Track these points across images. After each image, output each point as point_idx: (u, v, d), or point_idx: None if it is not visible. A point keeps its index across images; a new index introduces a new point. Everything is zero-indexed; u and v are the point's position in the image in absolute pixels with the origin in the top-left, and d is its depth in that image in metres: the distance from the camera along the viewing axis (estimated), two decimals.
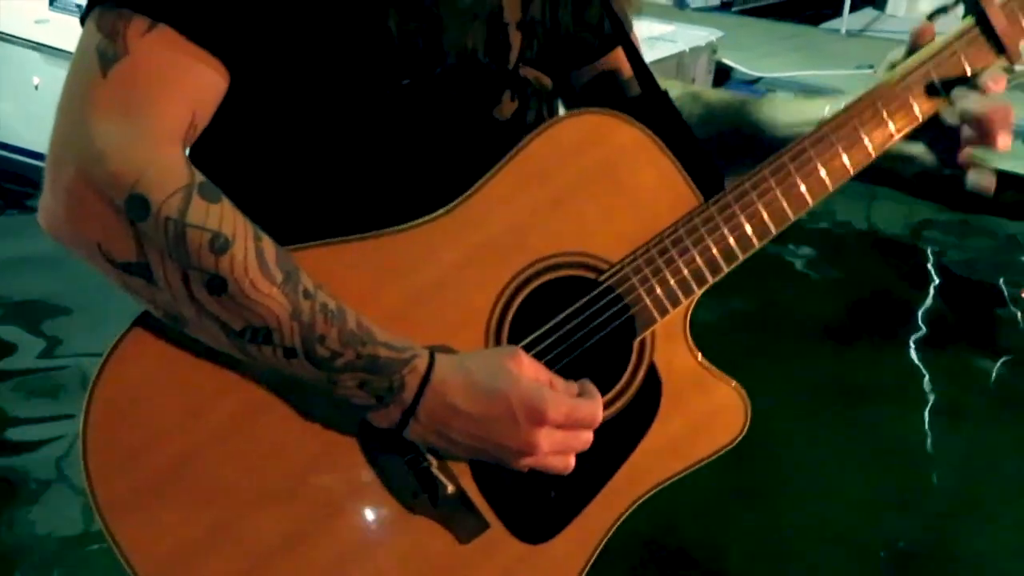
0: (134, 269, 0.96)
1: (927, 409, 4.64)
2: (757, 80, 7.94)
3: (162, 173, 0.95)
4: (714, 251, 1.13)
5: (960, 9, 1.17)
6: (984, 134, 1.13)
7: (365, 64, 1.05)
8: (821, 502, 3.89)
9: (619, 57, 1.28)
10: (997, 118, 1.12)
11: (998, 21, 1.14)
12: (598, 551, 1.16)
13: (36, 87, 5.84)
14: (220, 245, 0.95)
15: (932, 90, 1.16)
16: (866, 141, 1.16)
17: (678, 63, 6.83)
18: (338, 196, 1.10)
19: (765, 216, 1.14)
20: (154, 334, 1.03)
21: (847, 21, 9.75)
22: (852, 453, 4.20)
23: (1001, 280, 6.09)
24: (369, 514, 1.08)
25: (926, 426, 4.51)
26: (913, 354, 5.14)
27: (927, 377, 4.93)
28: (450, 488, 1.09)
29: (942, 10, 1.18)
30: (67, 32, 5.79)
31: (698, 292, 1.14)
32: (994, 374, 5.06)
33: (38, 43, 5.83)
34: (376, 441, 1.07)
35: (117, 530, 1.03)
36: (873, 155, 1.17)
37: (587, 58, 1.28)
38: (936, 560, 3.62)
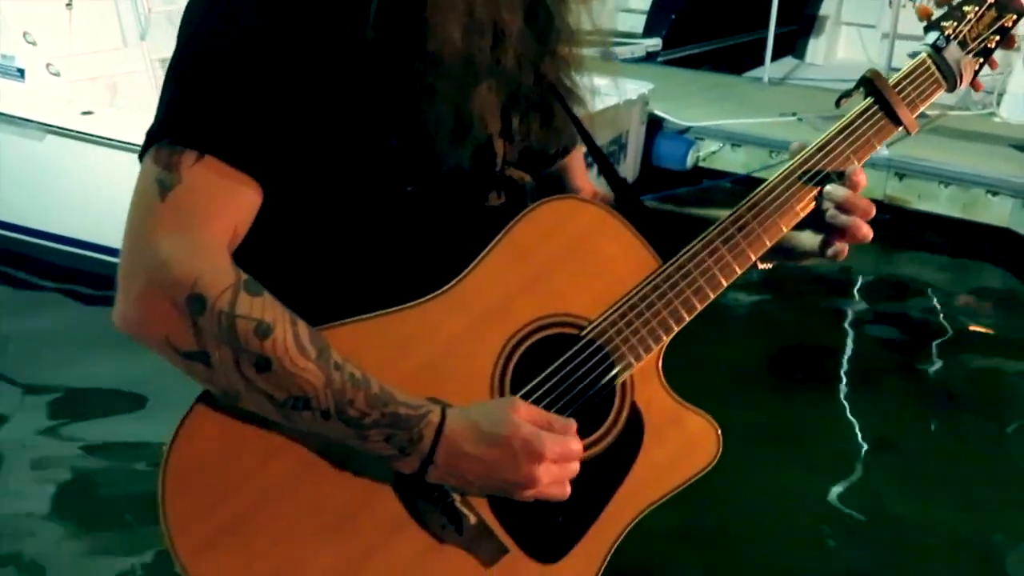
0: (195, 356, 1.14)
1: (858, 448, 4.81)
2: (687, 130, 8.18)
3: (214, 276, 1.13)
4: (676, 303, 1.31)
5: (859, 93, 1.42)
6: (847, 223, 1.36)
7: (376, 176, 1.24)
8: (762, 540, 4.02)
9: (576, 155, 1.49)
10: (860, 209, 1.36)
11: (896, 102, 1.39)
12: (603, 567, 1.31)
13: None
14: (264, 330, 1.13)
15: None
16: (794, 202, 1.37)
17: (614, 115, 7.02)
18: (355, 281, 1.26)
19: (716, 271, 1.33)
20: (214, 409, 1.19)
21: (769, 70, 10.02)
22: (783, 490, 4.34)
23: (927, 316, 6.35)
24: (406, 546, 1.24)
25: (857, 464, 4.67)
26: (842, 393, 5.34)
27: (856, 415, 5.11)
28: (472, 519, 1.25)
29: (847, 94, 1.43)
30: (9, 97, 5.84)
31: (666, 339, 1.31)
32: (921, 409, 5.28)
33: None
34: (407, 484, 1.23)
35: (196, 573, 1.18)
36: (800, 214, 1.38)
37: (556, 157, 1.46)
38: None
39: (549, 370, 1.28)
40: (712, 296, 1.33)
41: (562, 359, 1.28)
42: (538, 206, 1.28)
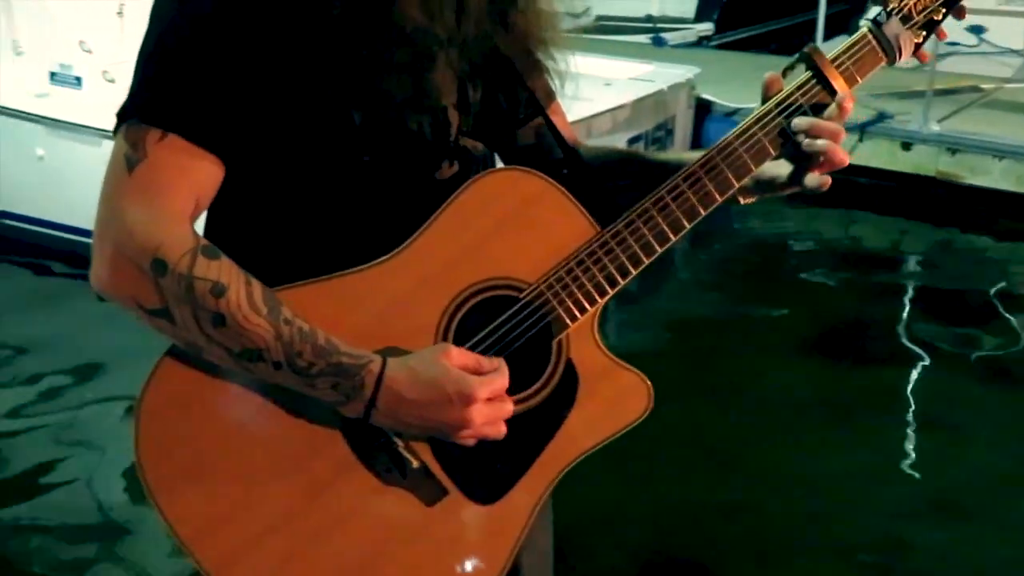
0: (160, 314, 1.27)
1: (910, 424, 4.79)
2: (735, 112, 8.13)
3: (174, 242, 1.26)
4: (611, 268, 1.39)
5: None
6: (821, 147, 1.40)
7: (335, 147, 1.34)
8: (805, 513, 4.01)
9: (554, 111, 1.57)
10: (827, 132, 1.41)
11: (832, 76, 1.44)
12: (536, 512, 1.42)
13: (40, 158, 6.06)
14: (218, 290, 1.25)
15: (782, 134, 1.44)
16: (729, 174, 1.42)
17: (656, 100, 7.04)
18: (312, 247, 1.38)
19: (650, 238, 1.40)
20: (179, 362, 1.32)
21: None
22: (834, 466, 4.33)
23: (981, 291, 6.28)
24: (354, 486, 1.35)
25: (910, 439, 4.65)
26: (896, 369, 5.31)
27: (909, 391, 5.10)
28: (415, 463, 1.36)
29: (790, 67, 1.48)
30: (67, 105, 6.02)
31: (601, 301, 1.40)
32: (975, 386, 5.23)
33: (40, 116, 6.05)
34: (355, 430, 1.34)
35: (163, 505, 1.32)
36: (736, 184, 1.43)
37: (516, 125, 1.56)
38: (923, 562, 3.77)
39: (488, 329, 1.38)
40: (647, 261, 1.40)
41: (501, 319, 1.38)
42: (483, 176, 1.37)
